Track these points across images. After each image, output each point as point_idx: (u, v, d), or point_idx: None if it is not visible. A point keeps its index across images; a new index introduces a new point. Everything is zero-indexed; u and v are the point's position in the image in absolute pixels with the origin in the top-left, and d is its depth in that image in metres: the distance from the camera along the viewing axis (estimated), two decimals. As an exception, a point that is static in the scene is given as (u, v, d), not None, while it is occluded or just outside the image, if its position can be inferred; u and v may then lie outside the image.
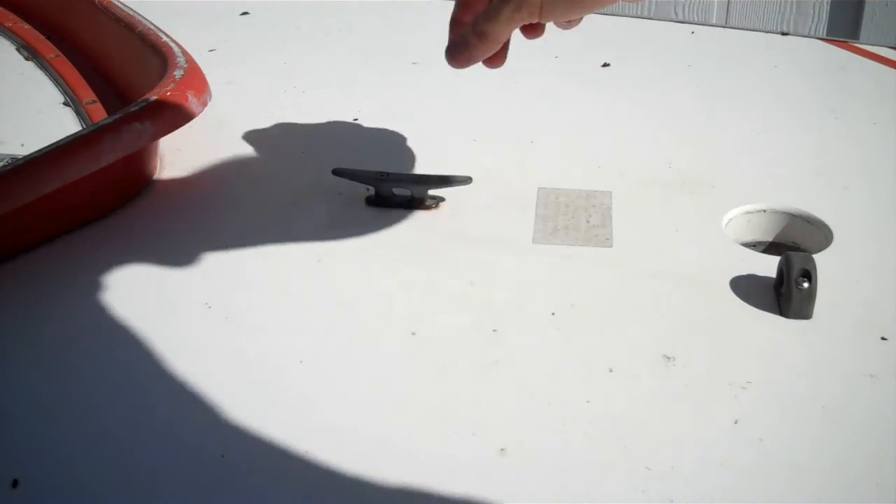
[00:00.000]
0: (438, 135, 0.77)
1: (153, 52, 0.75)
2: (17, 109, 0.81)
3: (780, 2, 1.63)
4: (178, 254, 0.63)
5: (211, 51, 0.90)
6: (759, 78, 0.88)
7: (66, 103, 0.81)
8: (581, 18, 0.64)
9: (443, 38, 0.65)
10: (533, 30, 0.66)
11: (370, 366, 0.54)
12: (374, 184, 0.68)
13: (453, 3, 0.58)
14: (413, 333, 0.56)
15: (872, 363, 0.53)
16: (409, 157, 0.72)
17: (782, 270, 0.57)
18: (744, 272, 0.60)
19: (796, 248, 0.66)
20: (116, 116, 0.65)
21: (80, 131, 0.67)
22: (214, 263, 0.62)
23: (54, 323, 0.57)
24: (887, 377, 0.52)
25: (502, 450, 0.48)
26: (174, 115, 0.67)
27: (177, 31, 0.78)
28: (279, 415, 0.50)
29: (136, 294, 0.60)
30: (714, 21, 1.66)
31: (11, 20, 0.96)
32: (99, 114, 0.79)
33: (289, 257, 0.63)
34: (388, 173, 0.68)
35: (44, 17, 0.97)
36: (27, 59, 0.89)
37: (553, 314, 0.57)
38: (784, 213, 0.67)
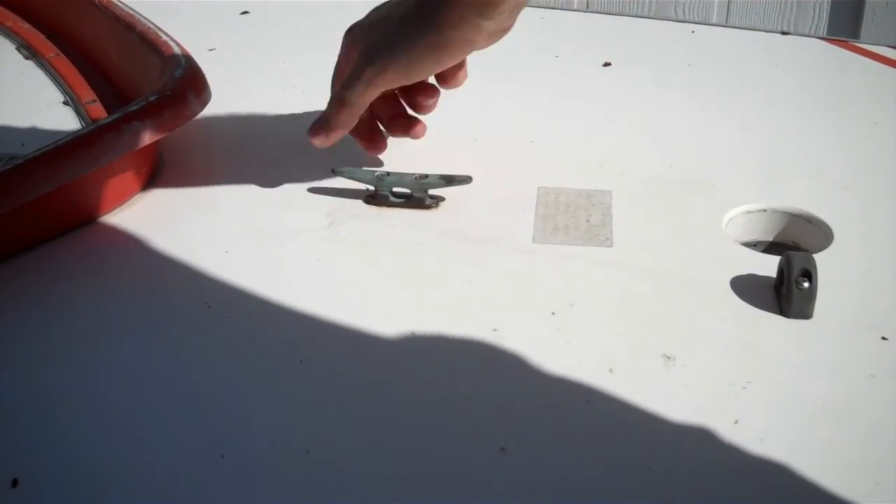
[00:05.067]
0: (438, 134, 0.77)
1: (153, 52, 0.74)
2: (16, 109, 0.81)
3: (781, 1, 1.64)
4: (178, 254, 0.63)
5: (211, 50, 0.90)
6: (759, 77, 0.88)
7: (65, 102, 0.81)
8: (461, 77, 0.63)
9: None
10: (444, 79, 0.65)
11: (370, 365, 0.54)
12: (373, 183, 0.68)
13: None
14: (413, 333, 0.56)
15: (873, 363, 0.53)
16: (409, 156, 0.72)
17: (783, 270, 0.57)
18: (744, 272, 0.60)
19: (797, 248, 0.66)
20: (116, 116, 0.65)
21: (79, 130, 0.66)
22: (214, 263, 0.62)
23: (54, 323, 0.57)
24: (888, 377, 0.52)
25: (502, 450, 0.48)
26: (174, 115, 0.67)
27: (177, 30, 0.78)
28: (279, 415, 0.50)
29: (136, 294, 0.60)
30: (714, 20, 1.67)
31: (11, 19, 0.96)
32: (99, 113, 0.78)
33: (288, 257, 0.63)
34: (387, 172, 0.68)
35: (43, 17, 0.97)
36: (27, 58, 0.89)
37: (553, 314, 0.57)
38: (784, 212, 0.67)
